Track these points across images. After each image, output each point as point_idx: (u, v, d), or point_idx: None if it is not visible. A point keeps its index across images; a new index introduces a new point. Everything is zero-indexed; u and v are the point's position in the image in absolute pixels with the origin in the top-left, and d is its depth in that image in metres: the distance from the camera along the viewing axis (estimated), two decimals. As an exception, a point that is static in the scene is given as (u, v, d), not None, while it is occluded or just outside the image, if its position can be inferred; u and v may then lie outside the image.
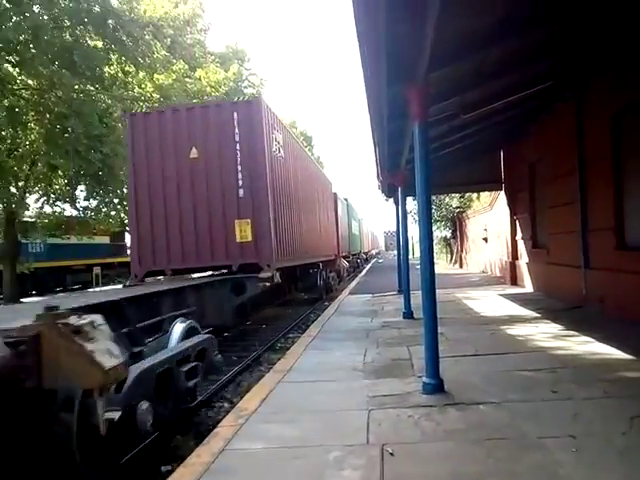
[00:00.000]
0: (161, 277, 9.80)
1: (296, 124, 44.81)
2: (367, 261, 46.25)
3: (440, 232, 31.97)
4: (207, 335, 6.21)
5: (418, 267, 5.28)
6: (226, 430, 4.33)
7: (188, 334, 5.89)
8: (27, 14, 14.80)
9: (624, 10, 6.03)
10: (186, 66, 21.66)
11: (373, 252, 60.78)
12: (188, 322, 6.05)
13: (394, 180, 11.84)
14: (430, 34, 4.21)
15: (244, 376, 7.70)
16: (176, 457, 4.62)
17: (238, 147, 9.38)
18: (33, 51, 14.93)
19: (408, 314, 9.84)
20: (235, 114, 9.44)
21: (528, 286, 13.80)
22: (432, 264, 5.18)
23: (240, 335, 10.74)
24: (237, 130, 9.40)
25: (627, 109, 7.89)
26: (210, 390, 6.72)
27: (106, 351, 3.31)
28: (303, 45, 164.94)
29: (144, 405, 4.22)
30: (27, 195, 19.33)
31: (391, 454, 3.56)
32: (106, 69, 18.03)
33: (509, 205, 15.59)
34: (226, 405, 6.28)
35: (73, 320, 3.32)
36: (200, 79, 22.72)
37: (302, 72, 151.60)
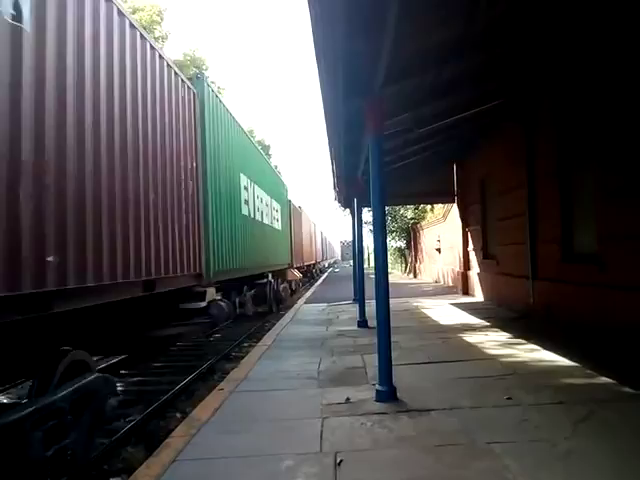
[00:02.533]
0: None
1: (254, 132, 44.74)
2: (322, 272, 44.46)
3: (395, 242, 32.47)
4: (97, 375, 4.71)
5: (373, 276, 5.36)
6: (177, 440, 4.27)
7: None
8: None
9: (568, 36, 6.35)
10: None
11: (330, 262, 60.82)
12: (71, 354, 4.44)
13: (350, 191, 12.01)
14: (386, 51, 4.33)
15: (197, 385, 7.60)
16: (125, 469, 4.53)
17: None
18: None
19: (363, 323, 9.93)
20: None
21: (479, 296, 14.15)
22: (386, 274, 5.27)
23: (193, 345, 10.59)
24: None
25: (572, 128, 8.26)
26: (162, 400, 6.61)
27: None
28: (262, 55, 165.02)
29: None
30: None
31: (340, 463, 3.59)
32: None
33: (461, 217, 15.99)
34: (178, 415, 6.18)
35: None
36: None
37: (261, 81, 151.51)
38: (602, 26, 6.33)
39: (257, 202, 13.08)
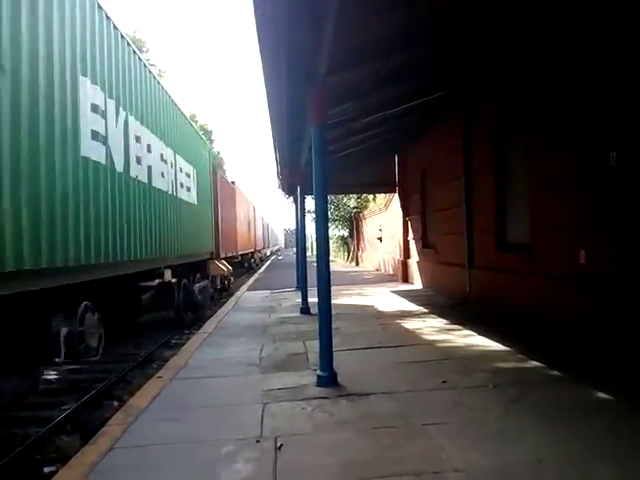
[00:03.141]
0: None
1: (196, 117, 43.81)
2: (263, 261, 39.40)
3: (338, 231, 32.76)
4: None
5: (315, 264, 5.39)
6: (114, 429, 4.18)
7: None
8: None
9: (506, 27, 6.56)
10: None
11: (273, 249, 60.43)
12: None
13: (293, 179, 12.01)
14: (328, 40, 4.34)
15: (135, 373, 7.44)
16: (60, 457, 4.40)
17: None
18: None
19: (305, 310, 10.00)
20: None
21: (418, 283, 14.51)
22: (328, 261, 5.31)
23: (132, 331, 10.33)
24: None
25: (504, 123, 8.56)
26: (99, 388, 6.44)
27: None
28: (206, 40, 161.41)
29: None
30: None
31: (280, 447, 3.62)
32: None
33: (402, 207, 16.31)
34: (115, 403, 6.04)
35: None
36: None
37: (205, 67, 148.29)
38: (537, 16, 6.58)
39: (137, 148, 7.77)
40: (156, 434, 4.01)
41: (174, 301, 10.21)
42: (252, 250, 29.06)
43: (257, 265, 31.99)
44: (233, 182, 21.17)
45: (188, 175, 11.44)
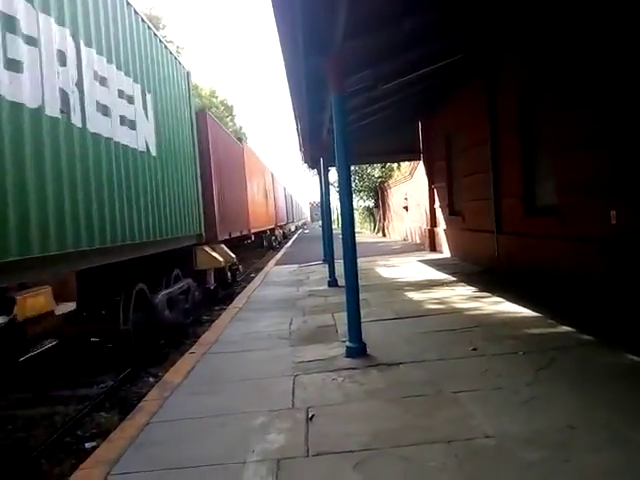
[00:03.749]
0: None
1: (216, 93, 43.72)
2: (287, 237, 35.94)
3: (363, 202, 32.57)
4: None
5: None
6: (150, 404, 4.31)
7: None
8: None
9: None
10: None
11: (298, 224, 60.27)
12: None
13: (316, 151, 11.92)
14: (343, 6, 4.25)
15: (170, 350, 7.62)
16: (100, 433, 4.56)
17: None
18: None
19: (333, 282, 10.05)
20: None
21: (446, 252, 14.41)
22: (353, 233, 5.31)
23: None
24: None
25: (529, 83, 8.31)
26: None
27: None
28: (222, 12, 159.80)
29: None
30: None
31: (312, 417, 3.68)
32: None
33: (427, 174, 16.10)
34: (151, 380, 6.21)
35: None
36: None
37: (222, 40, 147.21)
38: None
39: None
40: (191, 408, 4.12)
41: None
42: (272, 226, 25.03)
43: (279, 244, 28.30)
44: (240, 139, 17.58)
45: (130, 100, 6.55)
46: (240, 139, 18.45)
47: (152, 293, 7.32)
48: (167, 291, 7.87)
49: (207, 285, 10.34)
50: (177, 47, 30.12)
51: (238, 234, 13.88)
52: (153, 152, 7.24)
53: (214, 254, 10.16)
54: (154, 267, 7.54)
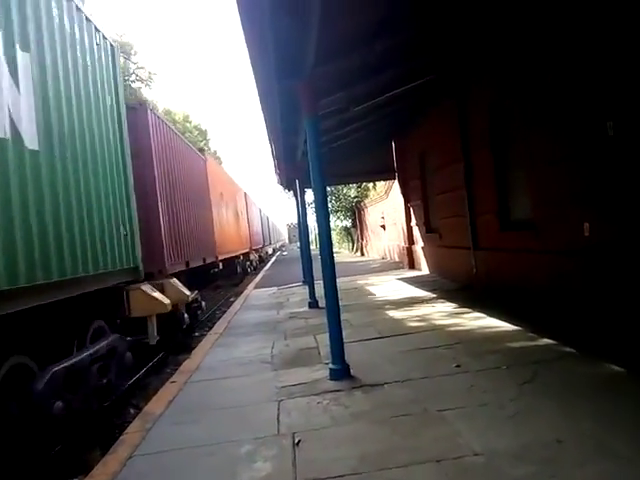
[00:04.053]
0: None
1: (189, 118, 43.75)
2: (263, 261, 33.86)
3: (341, 222, 32.70)
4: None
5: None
6: (133, 436, 4.20)
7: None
8: None
9: (491, 12, 6.50)
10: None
11: (276, 246, 59.99)
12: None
13: (292, 173, 11.98)
14: (314, 32, 4.32)
15: (150, 379, 7.47)
16: (83, 468, 4.42)
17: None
18: None
19: (314, 304, 10.00)
20: None
21: (425, 269, 14.49)
22: (331, 253, 5.30)
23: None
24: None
25: (501, 101, 8.50)
26: (116, 395, 6.45)
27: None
28: (194, 38, 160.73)
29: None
30: None
31: (298, 442, 3.63)
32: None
33: (403, 193, 16.25)
34: (132, 411, 6.07)
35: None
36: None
37: (194, 65, 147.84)
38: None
39: None
40: (174, 439, 4.03)
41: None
42: (246, 250, 23.17)
43: (255, 268, 26.50)
44: (201, 150, 15.58)
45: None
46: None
47: (41, 370, 4.70)
48: (66, 364, 5.04)
49: (144, 340, 7.52)
50: (149, 73, 30.21)
51: (200, 263, 11.85)
52: (29, 143, 4.54)
53: (155, 294, 7.47)
54: (53, 324, 5.10)
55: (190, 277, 10.62)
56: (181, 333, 9.60)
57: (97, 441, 5.19)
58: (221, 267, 15.73)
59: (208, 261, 12.96)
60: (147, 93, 31.12)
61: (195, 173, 12.71)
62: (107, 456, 3.93)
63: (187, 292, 9.21)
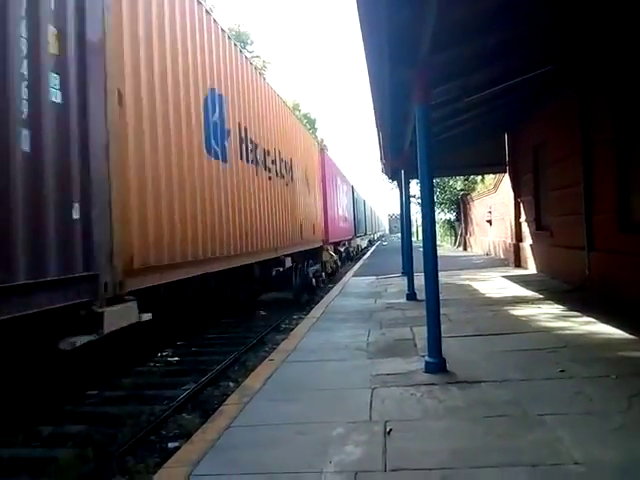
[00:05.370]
0: None
1: (299, 106, 44.60)
2: (363, 250, 33.38)
3: (444, 215, 31.93)
4: None
5: (422, 249, 5.32)
6: (231, 408, 4.42)
7: None
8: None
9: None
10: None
11: (375, 236, 59.46)
12: None
13: (397, 163, 11.87)
14: (431, 19, 4.24)
15: (248, 356, 7.80)
16: (182, 434, 4.73)
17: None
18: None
19: (411, 295, 9.90)
20: None
21: (532, 268, 13.83)
22: (435, 246, 5.22)
23: (244, 317, 10.83)
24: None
25: (628, 91, 7.85)
26: (215, 369, 6.83)
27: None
28: (307, 26, 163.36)
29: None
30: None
31: (389, 431, 3.63)
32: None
33: (513, 188, 15.56)
34: (231, 384, 6.38)
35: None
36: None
37: (306, 53, 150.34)
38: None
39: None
40: (270, 414, 4.20)
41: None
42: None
43: (357, 254, 28.05)
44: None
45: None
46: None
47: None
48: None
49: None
50: (263, 62, 31.06)
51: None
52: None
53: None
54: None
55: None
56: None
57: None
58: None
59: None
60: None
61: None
62: (207, 424, 4.17)
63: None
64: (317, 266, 14.69)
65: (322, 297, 12.02)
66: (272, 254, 10.43)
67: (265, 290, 12.18)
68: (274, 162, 10.91)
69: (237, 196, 8.31)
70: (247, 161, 8.98)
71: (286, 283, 12.16)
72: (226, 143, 7.91)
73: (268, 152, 10.47)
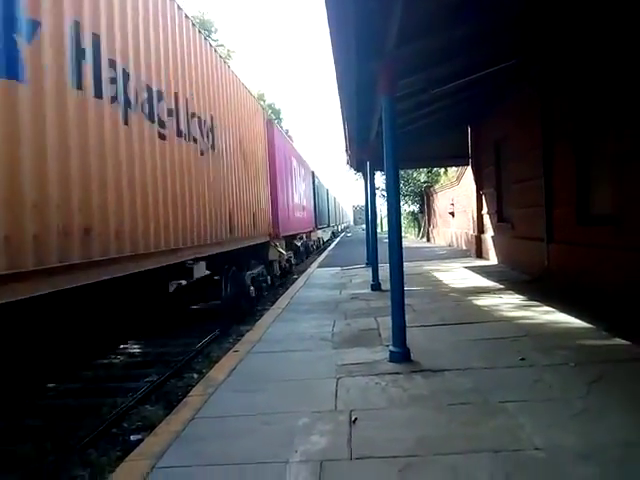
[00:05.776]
0: None
1: (264, 96, 44.19)
2: (326, 242, 32.70)
3: (408, 207, 32.27)
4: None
5: (386, 240, 5.34)
6: (195, 399, 4.37)
7: None
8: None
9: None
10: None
11: (341, 227, 59.55)
12: None
13: (363, 154, 11.87)
14: (398, 11, 4.23)
15: (212, 348, 7.73)
16: (146, 427, 4.66)
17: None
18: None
19: (376, 286, 9.98)
20: None
21: (493, 259, 14.11)
22: (400, 237, 5.26)
23: (208, 308, 10.70)
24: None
25: (588, 87, 8.04)
26: (180, 362, 6.74)
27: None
28: (272, 16, 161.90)
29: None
30: None
31: (354, 420, 3.65)
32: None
33: (475, 180, 15.81)
34: (195, 376, 6.31)
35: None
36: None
37: (272, 45, 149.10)
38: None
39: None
40: (235, 405, 4.16)
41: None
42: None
43: (317, 248, 26.49)
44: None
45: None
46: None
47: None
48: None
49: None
50: (228, 50, 30.64)
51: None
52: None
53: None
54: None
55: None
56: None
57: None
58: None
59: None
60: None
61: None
62: (171, 416, 4.11)
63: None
64: (259, 269, 11.50)
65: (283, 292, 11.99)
66: (162, 260, 6.13)
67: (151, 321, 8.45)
68: (173, 113, 6.66)
69: (62, 154, 4.23)
70: (97, 94, 4.79)
71: (211, 295, 8.78)
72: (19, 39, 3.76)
73: (160, 94, 6.24)
